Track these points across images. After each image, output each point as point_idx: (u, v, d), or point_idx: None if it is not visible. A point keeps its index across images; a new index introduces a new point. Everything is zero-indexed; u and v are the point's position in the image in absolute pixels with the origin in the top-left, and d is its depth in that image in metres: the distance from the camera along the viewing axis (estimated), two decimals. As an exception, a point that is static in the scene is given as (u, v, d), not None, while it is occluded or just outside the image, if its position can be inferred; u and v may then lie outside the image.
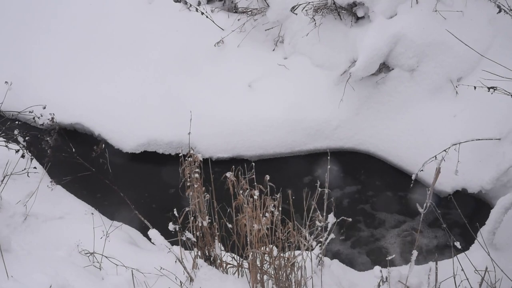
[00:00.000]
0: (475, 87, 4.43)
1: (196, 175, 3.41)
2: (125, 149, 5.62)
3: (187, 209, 3.47)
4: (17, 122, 5.15)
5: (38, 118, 4.89)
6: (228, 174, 3.30)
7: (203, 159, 3.50)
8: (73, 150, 4.57)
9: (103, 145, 4.30)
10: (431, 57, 5.38)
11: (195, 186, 3.40)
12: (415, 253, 3.12)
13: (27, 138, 4.65)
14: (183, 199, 3.54)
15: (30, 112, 4.89)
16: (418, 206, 2.99)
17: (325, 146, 5.52)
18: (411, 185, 4.16)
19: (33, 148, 4.64)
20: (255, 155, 5.54)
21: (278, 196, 3.32)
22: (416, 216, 4.81)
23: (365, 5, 5.58)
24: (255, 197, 3.22)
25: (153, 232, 3.66)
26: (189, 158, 3.43)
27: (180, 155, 3.46)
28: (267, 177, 3.25)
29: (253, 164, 3.46)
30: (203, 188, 3.47)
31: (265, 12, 6.03)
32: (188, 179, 3.42)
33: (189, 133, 3.74)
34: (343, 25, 5.80)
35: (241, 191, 3.30)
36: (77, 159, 4.51)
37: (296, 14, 5.82)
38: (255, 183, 3.28)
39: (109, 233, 3.78)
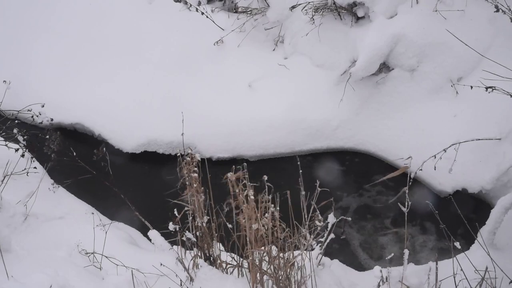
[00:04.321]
0: (471, 87, 4.43)
1: (195, 174, 3.40)
2: (125, 149, 5.61)
3: (186, 209, 3.47)
4: (16, 121, 5.14)
5: (37, 116, 4.89)
6: (229, 174, 3.29)
7: (201, 159, 3.49)
8: (74, 154, 4.56)
9: (104, 149, 4.29)
10: (431, 57, 5.37)
11: (194, 185, 3.40)
12: (406, 252, 3.14)
13: (26, 137, 4.65)
14: (183, 199, 3.54)
15: (28, 110, 4.89)
16: (400, 205, 3.01)
17: (325, 146, 5.53)
18: (409, 183, 4.14)
19: (32, 147, 4.64)
20: (256, 155, 5.53)
21: (277, 195, 3.31)
22: (416, 216, 4.81)
23: (365, 5, 5.58)
24: (252, 197, 3.21)
25: (153, 233, 3.67)
26: (187, 158, 3.42)
27: (178, 155, 3.46)
28: (265, 177, 3.24)
29: (245, 164, 3.38)
30: (202, 188, 3.46)
31: (265, 12, 6.02)
32: (187, 179, 3.42)
33: (182, 134, 3.73)
34: (343, 25, 5.80)
35: (243, 192, 3.29)
36: (78, 163, 4.50)
37: (296, 14, 5.81)
38: (249, 183, 3.26)
39: (107, 232, 3.78)
